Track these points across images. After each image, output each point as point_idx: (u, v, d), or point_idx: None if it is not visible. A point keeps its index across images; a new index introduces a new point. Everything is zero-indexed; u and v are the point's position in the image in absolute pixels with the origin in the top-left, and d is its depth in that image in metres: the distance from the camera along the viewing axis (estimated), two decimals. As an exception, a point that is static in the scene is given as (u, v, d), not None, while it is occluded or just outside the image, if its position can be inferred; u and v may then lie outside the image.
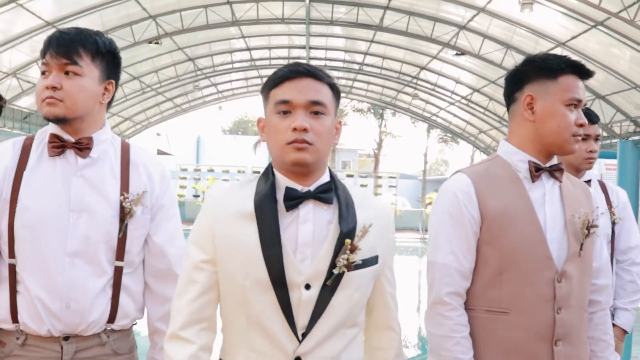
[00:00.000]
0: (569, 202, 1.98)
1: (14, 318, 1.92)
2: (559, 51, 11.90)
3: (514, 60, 13.06)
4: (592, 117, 2.98)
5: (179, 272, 2.07)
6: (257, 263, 1.58)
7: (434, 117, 22.42)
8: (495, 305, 1.90)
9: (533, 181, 1.97)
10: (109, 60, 2.01)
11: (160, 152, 27.15)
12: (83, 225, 1.93)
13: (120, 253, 1.97)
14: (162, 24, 13.02)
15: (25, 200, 1.92)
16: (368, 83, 21.23)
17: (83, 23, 11.98)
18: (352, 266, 1.58)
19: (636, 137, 12.58)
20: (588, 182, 3.03)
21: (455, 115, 20.81)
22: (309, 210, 1.63)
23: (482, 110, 17.75)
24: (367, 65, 18.26)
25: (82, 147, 1.97)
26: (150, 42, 13.11)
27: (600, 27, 10.03)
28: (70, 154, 1.97)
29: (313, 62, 18.44)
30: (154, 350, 2.08)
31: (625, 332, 3.07)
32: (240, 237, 1.62)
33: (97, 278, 1.94)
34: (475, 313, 1.91)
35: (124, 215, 1.97)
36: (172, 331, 1.66)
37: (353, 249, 1.58)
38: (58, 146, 1.97)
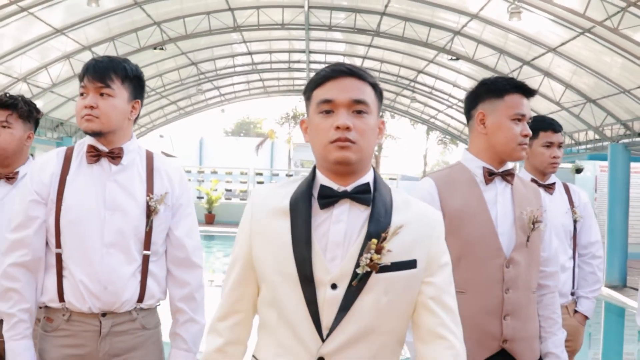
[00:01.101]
0: (518, 201, 2.30)
1: (61, 298, 2.24)
2: (550, 56, 12.24)
3: (507, 65, 13.41)
4: (555, 127, 3.32)
5: (196, 261, 2.46)
6: (287, 259, 1.58)
7: (432, 120, 22.59)
8: (456, 287, 2.16)
9: (487, 184, 2.30)
10: (136, 83, 2.35)
11: (163, 154, 27.41)
12: (116, 221, 2.25)
13: (147, 244, 2.29)
14: (167, 30, 13.31)
15: (69, 200, 2.25)
16: (367, 86, 21.54)
17: (90, 30, 12.33)
18: (377, 267, 1.53)
19: (626, 140, 12.84)
20: (553, 184, 3.39)
21: (453, 118, 21.06)
22: (343, 210, 1.59)
23: (479, 113, 18.03)
24: (366, 68, 18.52)
25: (115, 156, 2.30)
26: (155, 48, 13.43)
27: (588, 34, 10.37)
28: (104, 161, 2.30)
29: (313, 66, 18.80)
30: (175, 326, 2.39)
31: (586, 317, 3.40)
32: (273, 233, 1.62)
33: (128, 265, 2.25)
34: None
35: (150, 212, 2.29)
36: (211, 321, 1.74)
37: (379, 250, 1.53)
38: (94, 155, 2.30)
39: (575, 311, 3.39)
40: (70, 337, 2.25)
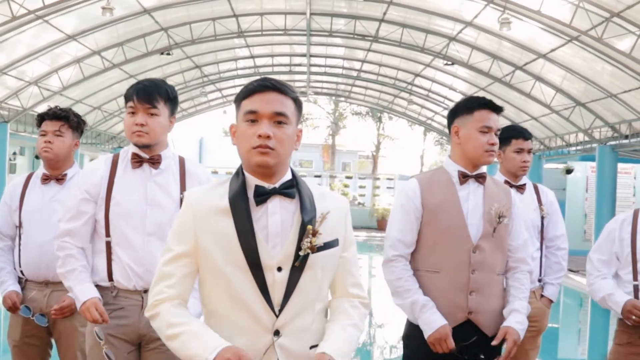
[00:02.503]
0: (488, 199, 2.75)
1: (110, 278, 2.68)
2: (541, 62, 12.76)
3: (500, 69, 13.91)
4: (525, 135, 3.75)
5: None
6: (236, 250, 1.77)
7: (429, 121, 23.02)
8: (432, 267, 2.70)
9: (461, 184, 2.76)
10: (173, 102, 2.81)
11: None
12: (156, 215, 2.70)
13: None
14: (173, 35, 13.75)
15: (117, 197, 2.70)
16: (366, 88, 21.81)
17: (101, 36, 12.80)
18: (315, 248, 1.78)
19: (613, 142, 13.36)
20: (523, 185, 3.80)
21: (449, 119, 21.46)
22: (275, 204, 1.82)
23: (474, 115, 18.46)
24: (365, 72, 18.88)
25: (154, 162, 2.76)
26: (162, 53, 13.87)
27: (576, 42, 10.88)
28: (146, 166, 2.75)
29: (313, 69, 19.25)
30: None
31: (551, 301, 3.81)
32: (219, 229, 1.79)
33: None
34: (419, 272, 2.73)
35: None
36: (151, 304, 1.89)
37: (314, 233, 1.78)
38: (138, 161, 2.75)
39: (542, 295, 3.82)
40: (117, 310, 2.68)
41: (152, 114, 2.73)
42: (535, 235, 3.79)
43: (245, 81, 21.30)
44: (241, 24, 14.18)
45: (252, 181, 1.83)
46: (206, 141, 39.95)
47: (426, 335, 2.66)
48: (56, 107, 3.41)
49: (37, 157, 18.85)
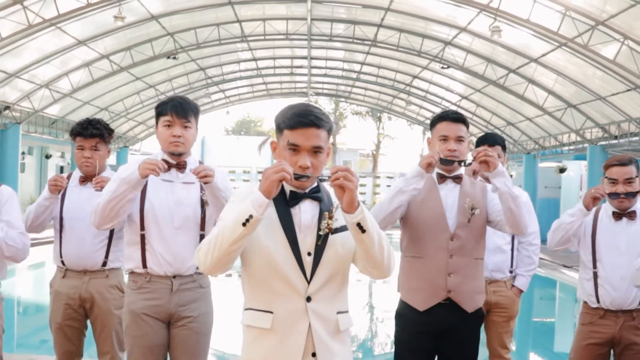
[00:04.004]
0: (463, 195, 3.19)
1: (144, 265, 3.05)
2: (533, 66, 13.21)
3: (494, 72, 14.36)
4: (488, 141, 4.14)
5: None
6: (277, 230, 2.15)
7: (427, 121, 23.35)
8: (416, 253, 3.14)
9: (439, 184, 3.23)
10: (198, 116, 3.27)
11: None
12: (182, 211, 3.11)
13: (202, 226, 3.14)
14: (179, 39, 14.17)
15: (150, 197, 3.11)
16: (365, 89, 22.13)
17: (109, 40, 13.23)
18: (332, 229, 2.11)
19: (604, 142, 13.83)
20: None
21: (447, 119, 21.77)
22: (307, 204, 2.20)
23: (470, 116, 18.76)
24: (364, 73, 19.24)
25: (180, 167, 3.18)
26: (168, 57, 14.32)
27: (564, 48, 11.35)
28: (173, 170, 3.17)
29: (314, 71, 19.61)
30: None
31: (521, 291, 4.19)
32: (266, 214, 2.08)
33: (191, 241, 3.07)
34: (406, 258, 3.19)
35: (203, 204, 3.16)
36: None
37: (331, 217, 2.10)
38: (167, 166, 3.20)
39: (513, 285, 4.15)
40: (150, 293, 3.06)
41: (186, 127, 3.15)
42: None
43: (247, 82, 21.88)
44: (244, 29, 14.57)
45: (287, 187, 2.21)
46: (208, 140, 40.23)
47: (418, 166, 3.09)
48: (87, 119, 3.82)
49: (46, 156, 19.30)
